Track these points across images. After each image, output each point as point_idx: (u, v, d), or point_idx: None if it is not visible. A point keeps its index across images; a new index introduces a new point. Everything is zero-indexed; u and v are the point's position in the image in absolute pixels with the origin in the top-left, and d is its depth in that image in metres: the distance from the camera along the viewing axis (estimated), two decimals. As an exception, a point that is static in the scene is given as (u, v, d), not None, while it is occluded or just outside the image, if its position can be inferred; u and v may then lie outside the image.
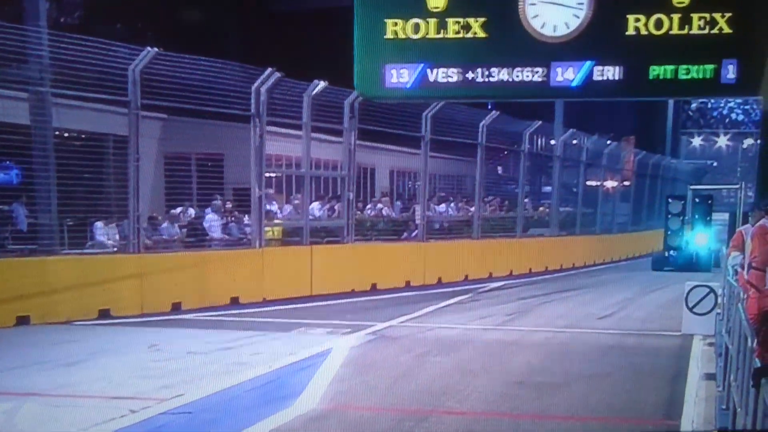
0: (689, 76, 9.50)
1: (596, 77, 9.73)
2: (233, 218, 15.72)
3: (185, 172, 15.16)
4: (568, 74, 9.71)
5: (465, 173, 21.84)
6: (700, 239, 20.23)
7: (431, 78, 10.10)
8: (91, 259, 12.96)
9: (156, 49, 13.10)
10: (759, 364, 4.68)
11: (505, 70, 9.87)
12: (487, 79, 9.93)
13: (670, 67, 9.50)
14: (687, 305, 11.55)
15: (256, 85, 14.69)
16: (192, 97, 13.57)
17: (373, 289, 16.45)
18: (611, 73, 9.65)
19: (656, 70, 9.51)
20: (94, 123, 13.79)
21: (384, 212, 19.08)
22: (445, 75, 10.02)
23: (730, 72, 9.41)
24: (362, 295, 15.83)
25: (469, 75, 9.98)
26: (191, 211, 15.40)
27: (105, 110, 13.68)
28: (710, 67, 9.44)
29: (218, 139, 15.32)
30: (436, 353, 10.39)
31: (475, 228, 19.80)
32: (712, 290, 11.42)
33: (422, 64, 10.07)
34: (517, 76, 9.79)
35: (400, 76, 10.21)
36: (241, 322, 12.40)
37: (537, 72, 9.74)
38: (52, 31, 12.62)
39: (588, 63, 9.59)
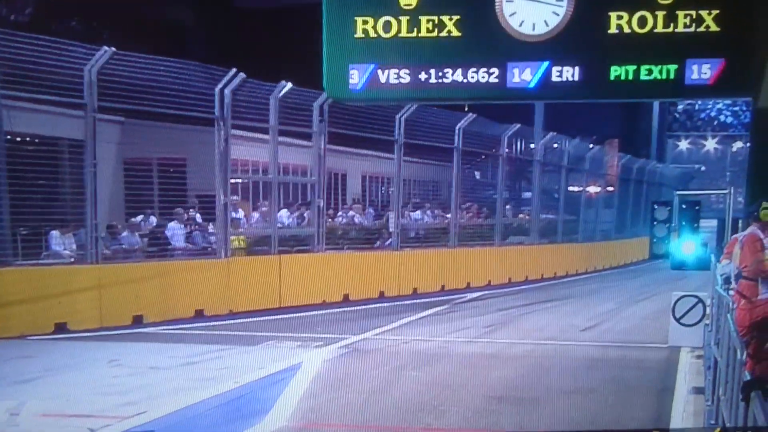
0: (650, 77, 9.63)
1: (554, 78, 9.83)
2: (197, 227, 15.70)
3: (146, 178, 15.15)
4: (525, 75, 9.81)
5: (441, 179, 21.90)
6: (687, 247, 20.45)
7: (382, 79, 10.16)
8: (46, 270, 12.90)
9: (113, 49, 13.10)
10: (749, 377, 4.80)
11: (459, 71, 9.97)
12: (440, 80, 10.02)
13: (631, 68, 9.63)
14: (674, 316, 11.67)
15: (219, 86, 14.73)
16: (152, 99, 13.59)
17: (346, 300, 16.50)
18: (570, 73, 9.76)
19: (617, 71, 9.64)
20: (48, 126, 13.75)
21: (356, 220, 19.10)
22: (397, 76, 10.09)
23: (695, 72, 9.56)
24: (334, 306, 15.88)
25: (422, 76, 10.07)
26: (152, 220, 15.35)
27: (59, 113, 13.68)
28: (673, 67, 9.58)
29: (181, 144, 15.35)
30: (412, 367, 10.47)
31: (452, 236, 19.89)
32: (700, 300, 11.54)
33: (373, 65, 10.15)
34: (472, 77, 9.88)
35: (360, 77, 10.29)
36: (206, 336, 12.43)
37: (492, 73, 9.83)
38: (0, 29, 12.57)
39: (545, 63, 9.71)
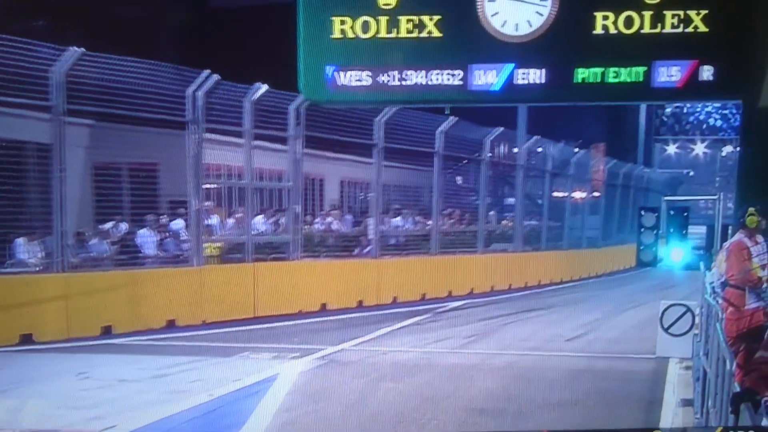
0: (618, 80, 9.71)
1: (519, 80, 9.91)
2: (169, 234, 15.69)
3: (116, 184, 15.06)
4: (489, 77, 9.88)
5: (422, 184, 21.95)
6: (675, 254, 20.58)
7: (360, 81, 10.20)
8: (11, 279, 12.89)
9: (82, 49, 13.10)
10: (738, 389, 4.89)
11: (422, 73, 10.04)
12: (402, 83, 10.08)
13: (597, 70, 9.72)
14: (662, 326, 11.76)
15: (192, 88, 14.77)
16: (123, 101, 13.61)
17: (323, 310, 16.53)
18: (536, 75, 9.85)
19: (583, 73, 9.72)
20: (13, 130, 13.66)
21: (334, 226, 19.13)
22: (375, 77, 10.14)
23: (662, 75, 9.66)
24: (311, 316, 15.91)
25: (381, 78, 10.12)
26: (123, 226, 15.30)
27: (25, 116, 13.59)
28: (641, 69, 9.68)
29: (152, 148, 15.32)
30: (391, 379, 10.53)
31: (433, 243, 19.97)
32: (689, 309, 11.64)
33: (351, 66, 10.21)
34: (437, 79, 9.95)
35: (338, 79, 10.31)
36: (178, 347, 12.44)
37: (454, 75, 9.90)
38: (-42, 28, 12.54)
39: (509, 65, 9.79)
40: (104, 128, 14.67)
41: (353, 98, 10.35)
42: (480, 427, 8.11)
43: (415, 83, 10.07)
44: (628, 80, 9.64)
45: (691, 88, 9.71)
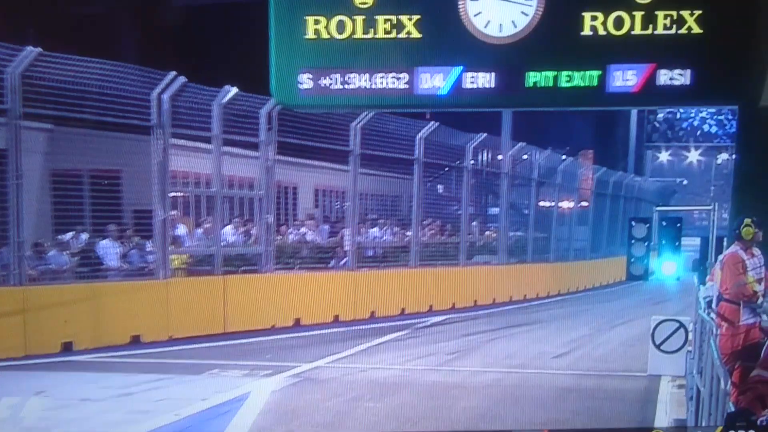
0: (571, 84, 9.79)
1: (467, 84, 9.96)
2: (133, 245, 15.69)
3: (76, 192, 14.93)
4: (436, 81, 9.93)
5: (401, 192, 22.03)
6: (667, 267, 20.70)
7: (334, 84, 10.21)
8: (-35, 293, 12.81)
9: (39, 49, 13.09)
10: (734, 409, 4.98)
11: (366, 76, 10.11)
12: (344, 86, 10.14)
13: (549, 74, 9.79)
14: (654, 342, 11.85)
15: (157, 91, 14.80)
16: (83, 104, 13.61)
17: (297, 325, 16.60)
18: (485, 79, 9.90)
19: (535, 77, 9.80)
20: (-34, 135, 13.67)
21: (308, 237, 19.15)
22: (350, 80, 10.16)
23: (617, 79, 9.73)
24: (284, 331, 15.98)
25: (357, 81, 10.17)
26: (83, 237, 15.29)
27: (-22, 120, 13.58)
28: (595, 73, 9.73)
29: (115, 154, 15.23)
30: (369, 398, 10.58)
31: (413, 255, 20.07)
32: (682, 325, 11.73)
33: (326, 68, 10.23)
34: (381, 83, 10.00)
35: (311, 81, 10.32)
36: (143, 364, 12.45)
37: (399, 78, 9.96)
38: None
39: (457, 68, 9.85)
40: (63, 133, 14.59)
41: (328, 102, 10.34)
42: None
43: (359, 86, 10.13)
44: (582, 85, 9.67)
45: (649, 93, 9.75)
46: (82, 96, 13.54)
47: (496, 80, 9.78)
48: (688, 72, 9.48)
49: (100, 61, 13.79)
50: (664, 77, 9.63)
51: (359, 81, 9.99)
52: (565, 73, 9.59)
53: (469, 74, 9.78)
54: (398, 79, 9.86)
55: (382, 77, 9.92)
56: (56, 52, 13.32)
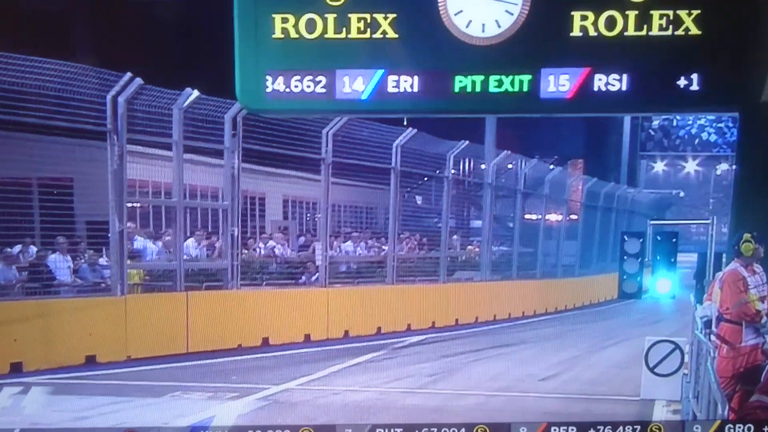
0: (501, 89, 9.96)
1: (390, 88, 10.09)
2: (86, 259, 15.76)
3: (24, 202, 15.07)
4: (356, 85, 10.04)
5: (376, 204, 22.13)
6: (662, 285, 20.78)
7: (303, 87, 10.24)
8: None
9: (-21, 47, 13.25)
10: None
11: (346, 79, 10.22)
12: (314, 90, 10.25)
13: (477, 78, 9.96)
14: (647, 365, 12.04)
15: (112, 93, 14.97)
16: (30, 107, 13.69)
17: (265, 345, 16.65)
18: (408, 83, 10.00)
19: (462, 82, 9.95)
20: None
21: (277, 251, 19.30)
22: (319, 83, 10.22)
23: (551, 84, 9.90)
24: (251, 351, 16.06)
25: (330, 85, 10.25)
26: (33, 250, 15.38)
27: None
28: (526, 78, 9.87)
29: (66, 161, 15.40)
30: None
31: (390, 271, 20.22)
32: (677, 347, 11.92)
33: (294, 70, 10.26)
34: (296, 87, 10.09)
35: (279, 84, 10.32)
36: (99, 386, 12.49)
37: (319, 82, 10.08)
38: None
39: (379, 72, 9.97)
40: (9, 138, 14.53)
41: (297, 106, 10.43)
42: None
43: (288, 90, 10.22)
44: (512, 90, 9.80)
45: (584, 99, 9.86)
46: (29, 99, 13.62)
47: (421, 84, 9.98)
48: (625, 77, 9.75)
49: (49, 61, 13.91)
50: (599, 82, 9.84)
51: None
52: (493, 77, 9.80)
53: (392, 78, 9.97)
54: (316, 83, 10.04)
55: (309, 81, 10.09)
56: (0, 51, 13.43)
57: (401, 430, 7.90)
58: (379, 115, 15.70)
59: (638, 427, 7.93)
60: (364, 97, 9.96)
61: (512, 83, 9.72)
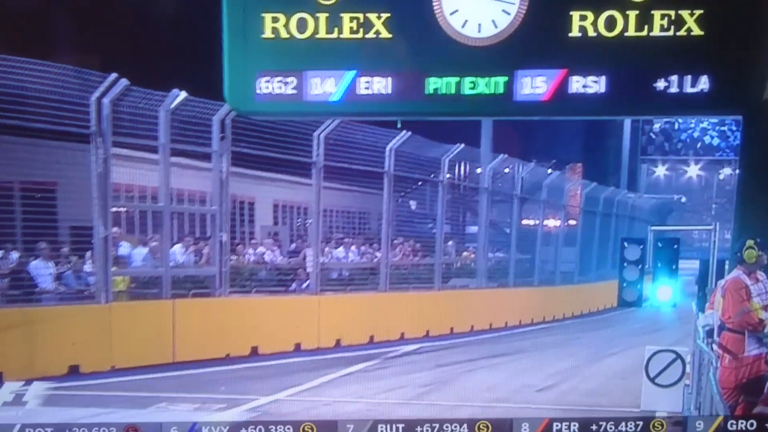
0: (475, 92, 9.94)
1: (362, 90, 10.06)
2: (70, 265, 15.73)
3: (6, 206, 15.00)
4: (327, 86, 10.02)
5: (369, 209, 22.14)
6: (663, 293, 20.78)
7: (294, 89, 10.22)
8: None
9: (-40, 48, 13.23)
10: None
11: (332, 80, 10.19)
12: (305, 91, 10.24)
13: (451, 80, 9.95)
14: (647, 375, 12.04)
15: (96, 94, 14.92)
16: (12, 109, 13.64)
17: (254, 354, 16.66)
18: (381, 85, 9.97)
19: (435, 83, 9.94)
20: None
21: (267, 257, 19.30)
22: (311, 84, 10.18)
23: (525, 86, 9.88)
24: (240, 361, 16.07)
25: (319, 87, 10.22)
26: (14, 256, 15.35)
27: None
28: (501, 80, 9.85)
29: (50, 164, 15.30)
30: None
31: (383, 278, 20.23)
32: (679, 356, 11.91)
33: (283, 71, 10.21)
34: (267, 87, 10.07)
35: (268, 86, 10.26)
36: (82, 397, 12.44)
37: (288, 83, 10.06)
38: None
39: (350, 72, 9.95)
40: None
41: (287, 109, 10.40)
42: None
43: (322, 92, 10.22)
44: (487, 92, 9.78)
45: (561, 102, 9.83)
46: (11, 100, 13.58)
47: (393, 86, 9.97)
48: (603, 79, 9.74)
49: (31, 62, 13.88)
50: (576, 84, 9.84)
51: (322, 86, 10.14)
52: (468, 79, 9.79)
53: (364, 79, 9.95)
54: (285, 84, 10.01)
55: (280, 81, 10.07)
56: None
57: (403, 425, 7.93)
58: (349, 117, 15.76)
59: (640, 423, 7.96)
60: (334, 99, 9.95)
61: (487, 85, 9.72)
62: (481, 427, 8.05)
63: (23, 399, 7.43)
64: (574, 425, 8.03)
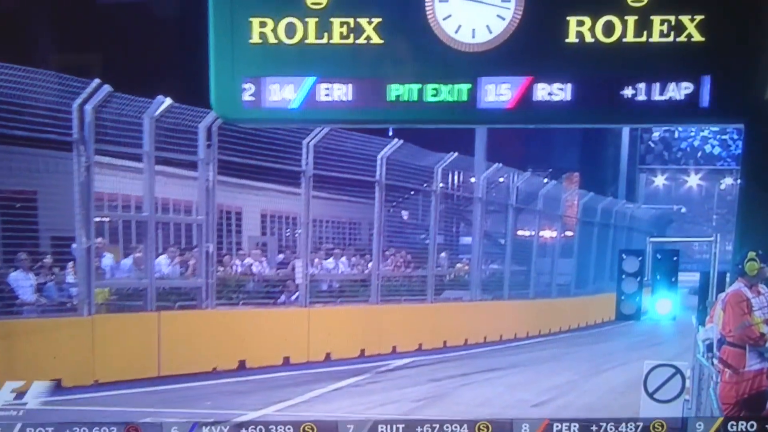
0: (438, 99, 9.99)
1: (321, 97, 10.08)
2: (51, 276, 15.74)
3: (-17, 216, 15.09)
4: (285, 92, 10.03)
5: (360, 219, 22.16)
6: (662, 306, 20.80)
7: (282, 95, 10.21)
8: None
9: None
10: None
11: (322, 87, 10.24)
12: (293, 98, 10.29)
13: (413, 87, 9.99)
14: (646, 390, 12.09)
15: (78, 101, 14.92)
16: (-8, 116, 13.70)
17: (242, 368, 16.68)
18: (341, 92, 10.00)
19: (397, 90, 9.98)
20: None
21: (254, 269, 19.32)
22: (282, 91, 10.19)
23: (489, 93, 9.92)
24: (227, 375, 16.09)
25: (310, 93, 10.25)
26: (-8, 267, 15.40)
27: None
28: (465, 87, 9.89)
29: (30, 173, 15.36)
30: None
31: (374, 290, 20.25)
32: (678, 371, 11.97)
33: (271, 77, 10.22)
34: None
35: (255, 92, 10.26)
36: (64, 412, 12.41)
37: (245, 89, 10.09)
38: None
39: (310, 79, 9.95)
40: None
41: (275, 116, 10.40)
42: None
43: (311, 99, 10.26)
44: (450, 99, 9.80)
45: (525, 110, 9.86)
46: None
47: (354, 93, 10.00)
48: (568, 86, 9.80)
49: (11, 67, 13.90)
50: (541, 92, 9.89)
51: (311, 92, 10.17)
52: (430, 86, 9.84)
53: (324, 86, 10.00)
54: (243, 90, 10.05)
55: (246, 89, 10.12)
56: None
57: (403, 426, 8.02)
58: (308, 125, 15.81)
59: (640, 424, 8.05)
60: (293, 105, 9.98)
61: (450, 92, 9.77)
62: (481, 427, 8.15)
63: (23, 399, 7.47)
64: (574, 426, 8.12)
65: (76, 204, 15.13)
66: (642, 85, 9.66)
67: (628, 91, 9.69)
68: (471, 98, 9.70)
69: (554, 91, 9.68)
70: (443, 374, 17.25)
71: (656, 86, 9.65)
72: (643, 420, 8.11)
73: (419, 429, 7.99)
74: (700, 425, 7.58)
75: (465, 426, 8.10)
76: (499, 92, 9.71)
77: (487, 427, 8.17)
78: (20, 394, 7.61)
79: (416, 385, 15.84)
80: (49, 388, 9.17)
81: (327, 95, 9.83)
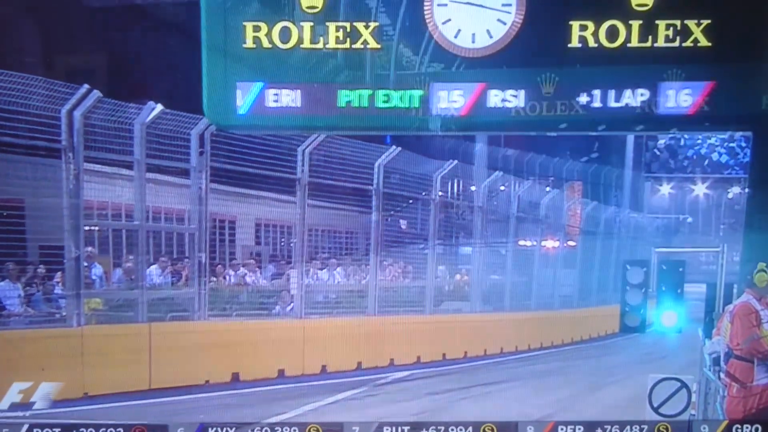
0: (391, 105, 10.00)
1: (270, 103, 10.10)
2: (39, 286, 15.76)
3: (-31, 225, 15.12)
4: (239, 99, 10.06)
5: (357, 228, 22.18)
6: (667, 318, 20.76)
7: (275, 101, 10.21)
8: None
9: None
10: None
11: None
12: (287, 104, 10.31)
13: (364, 93, 10.02)
14: (651, 405, 12.11)
15: (67, 107, 15.01)
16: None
17: (235, 381, 16.67)
18: (289, 98, 10.03)
19: (348, 96, 10.00)
20: None
21: (248, 279, 19.34)
22: (294, 98, 10.22)
23: (441, 100, 9.94)
24: (220, 388, 16.10)
25: (306, 99, 10.26)
26: (-22, 278, 15.42)
27: None
28: (417, 93, 9.92)
29: (17, 180, 15.32)
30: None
31: (371, 301, 20.26)
32: (684, 385, 12.00)
33: (264, 83, 10.25)
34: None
35: (247, 98, 10.27)
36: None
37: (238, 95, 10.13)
38: None
39: (257, 84, 9.99)
40: None
41: (269, 123, 10.42)
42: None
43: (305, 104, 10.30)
44: (401, 106, 9.81)
45: (479, 116, 9.88)
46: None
47: (303, 99, 10.02)
48: (522, 93, 9.84)
49: (-2, 72, 14.02)
50: (494, 98, 9.92)
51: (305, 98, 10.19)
52: (382, 92, 9.86)
53: (272, 91, 10.03)
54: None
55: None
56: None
57: (408, 428, 8.12)
58: (256, 132, 15.85)
59: (645, 427, 8.13)
60: (242, 111, 10.02)
61: (401, 99, 9.80)
62: (486, 430, 8.24)
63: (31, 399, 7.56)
64: (579, 428, 8.21)
65: (64, 212, 15.12)
66: (647, 92, 9.73)
67: (671, 100, 9.75)
68: (423, 105, 9.76)
69: (507, 98, 9.75)
70: (442, 387, 17.27)
71: (660, 93, 9.71)
72: (648, 423, 8.18)
73: (424, 431, 8.09)
74: (704, 428, 7.66)
75: (470, 428, 8.20)
76: (451, 99, 9.79)
77: (492, 430, 8.29)
78: (28, 395, 7.65)
79: (415, 399, 15.88)
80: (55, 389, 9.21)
81: (275, 101, 9.88)
